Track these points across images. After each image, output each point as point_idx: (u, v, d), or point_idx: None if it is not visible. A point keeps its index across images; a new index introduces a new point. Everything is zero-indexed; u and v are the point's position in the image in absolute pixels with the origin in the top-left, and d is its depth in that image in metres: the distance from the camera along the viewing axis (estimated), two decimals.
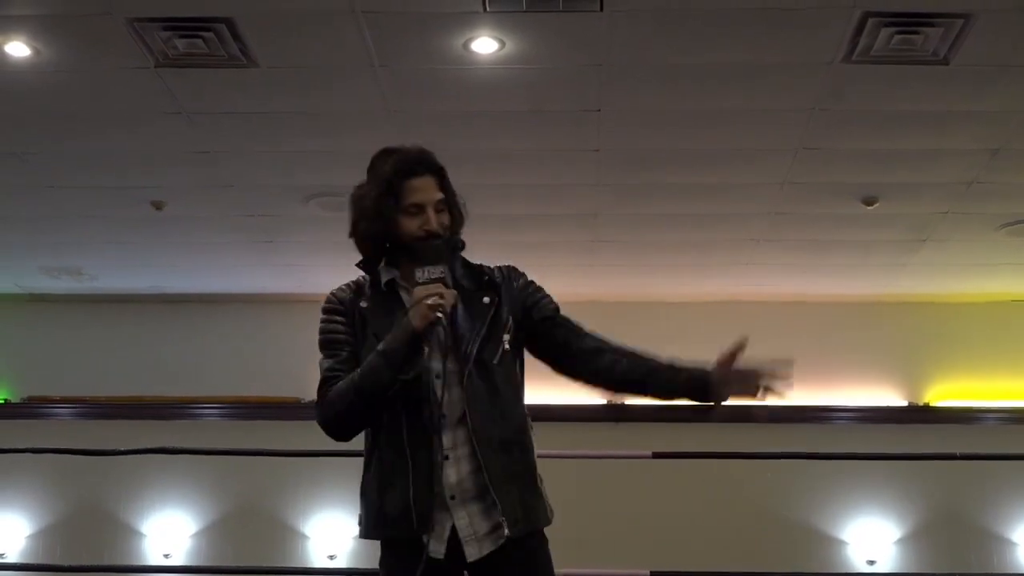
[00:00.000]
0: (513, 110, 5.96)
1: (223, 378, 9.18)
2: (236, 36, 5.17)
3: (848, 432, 8.85)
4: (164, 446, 5.39)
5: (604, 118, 6.02)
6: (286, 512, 8.90)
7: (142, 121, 6.11)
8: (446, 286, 2.59)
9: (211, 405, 9.20)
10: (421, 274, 2.58)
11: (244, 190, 7.10)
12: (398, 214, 2.68)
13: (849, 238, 7.83)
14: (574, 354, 2.77)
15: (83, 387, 9.23)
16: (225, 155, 6.57)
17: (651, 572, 5.00)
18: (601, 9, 4.91)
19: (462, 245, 2.78)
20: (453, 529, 2.57)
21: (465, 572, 2.62)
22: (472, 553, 2.57)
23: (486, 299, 2.70)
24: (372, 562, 8.78)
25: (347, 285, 2.80)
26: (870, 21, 5.01)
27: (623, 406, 8.97)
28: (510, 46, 5.27)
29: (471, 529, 2.58)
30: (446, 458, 2.57)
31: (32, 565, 8.36)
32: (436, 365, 2.59)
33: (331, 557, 8.74)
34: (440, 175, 2.74)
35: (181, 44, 5.23)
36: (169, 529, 8.90)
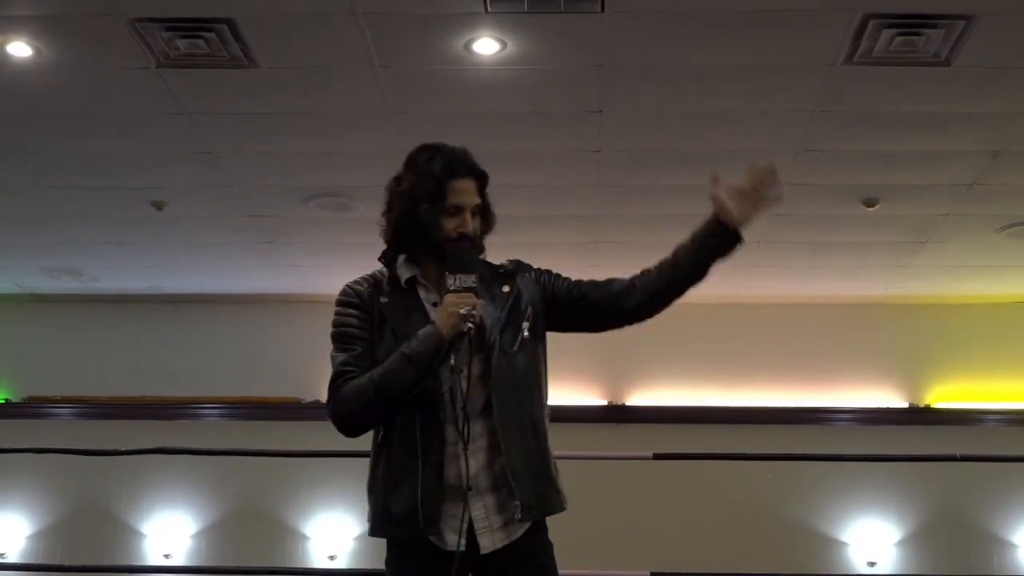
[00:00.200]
0: (514, 111, 5.96)
1: (223, 378, 9.18)
2: (237, 37, 5.17)
3: (849, 433, 8.85)
4: (164, 446, 5.38)
5: (605, 119, 6.02)
6: (286, 512, 8.89)
7: (143, 121, 6.11)
8: (476, 296, 2.59)
9: (211, 405, 9.21)
10: (453, 281, 2.59)
11: (245, 191, 7.10)
12: (438, 213, 2.67)
13: (850, 239, 7.83)
14: (616, 299, 2.79)
15: (83, 387, 9.23)
16: (226, 156, 6.57)
17: (651, 573, 5.00)
18: (602, 10, 4.91)
19: (482, 249, 2.79)
20: (469, 521, 2.58)
21: (469, 571, 2.63)
22: (486, 545, 2.59)
23: (505, 287, 2.73)
24: (372, 562, 8.76)
25: (364, 279, 2.79)
26: (871, 23, 5.01)
27: (624, 407, 8.99)
28: (511, 47, 5.27)
29: (486, 521, 2.59)
30: (465, 448, 2.57)
31: (32, 565, 8.36)
32: (455, 359, 2.59)
33: (331, 558, 8.74)
34: (481, 180, 2.76)
35: (182, 45, 5.23)
36: (169, 529, 8.90)
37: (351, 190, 7.06)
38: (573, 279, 2.85)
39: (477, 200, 2.73)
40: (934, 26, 5.03)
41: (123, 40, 5.17)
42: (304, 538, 8.85)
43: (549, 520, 2.73)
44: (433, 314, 2.65)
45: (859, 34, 5.10)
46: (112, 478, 8.71)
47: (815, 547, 8.68)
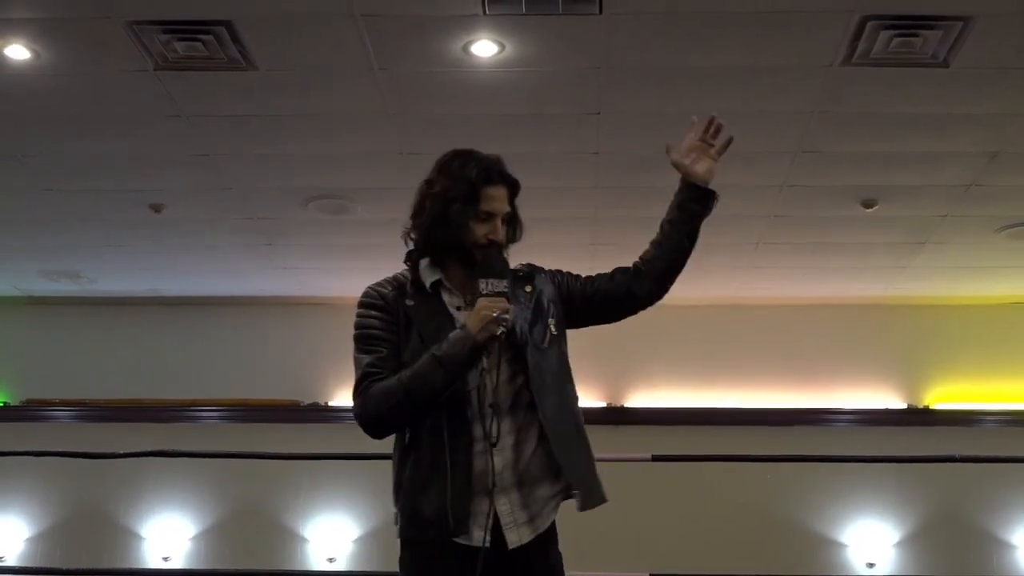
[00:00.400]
0: (512, 113, 5.96)
1: (222, 381, 9.18)
2: (235, 39, 5.17)
3: (848, 434, 8.85)
4: (163, 449, 5.38)
5: (603, 121, 6.02)
6: (285, 515, 8.89)
7: (141, 124, 6.10)
8: (508, 301, 2.62)
9: (210, 408, 9.20)
10: (485, 286, 2.61)
11: (243, 193, 7.10)
12: (469, 217, 2.70)
13: (848, 240, 7.83)
14: (627, 287, 2.90)
15: (82, 390, 9.22)
16: (224, 158, 6.57)
17: (650, 575, 5.00)
18: (600, 12, 4.91)
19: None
20: (494, 518, 2.60)
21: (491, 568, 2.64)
22: (513, 540, 2.62)
23: (527, 288, 2.77)
24: (371, 565, 8.75)
25: (386, 281, 2.80)
26: (869, 24, 5.01)
27: (623, 409, 8.98)
28: (509, 49, 5.27)
29: (512, 516, 2.62)
30: (493, 445, 2.60)
31: (31, 568, 8.36)
32: (485, 362, 2.63)
33: (330, 560, 8.74)
34: (513, 189, 2.80)
35: (180, 47, 5.23)
36: (168, 532, 8.89)
37: (350, 192, 7.07)
38: (582, 276, 2.94)
39: (508, 208, 2.78)
40: (932, 27, 5.03)
41: (121, 43, 5.17)
42: (303, 540, 8.85)
43: None
44: (459, 318, 2.68)
45: (857, 35, 5.10)
46: (111, 481, 8.71)
47: (814, 548, 8.68)
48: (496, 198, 2.74)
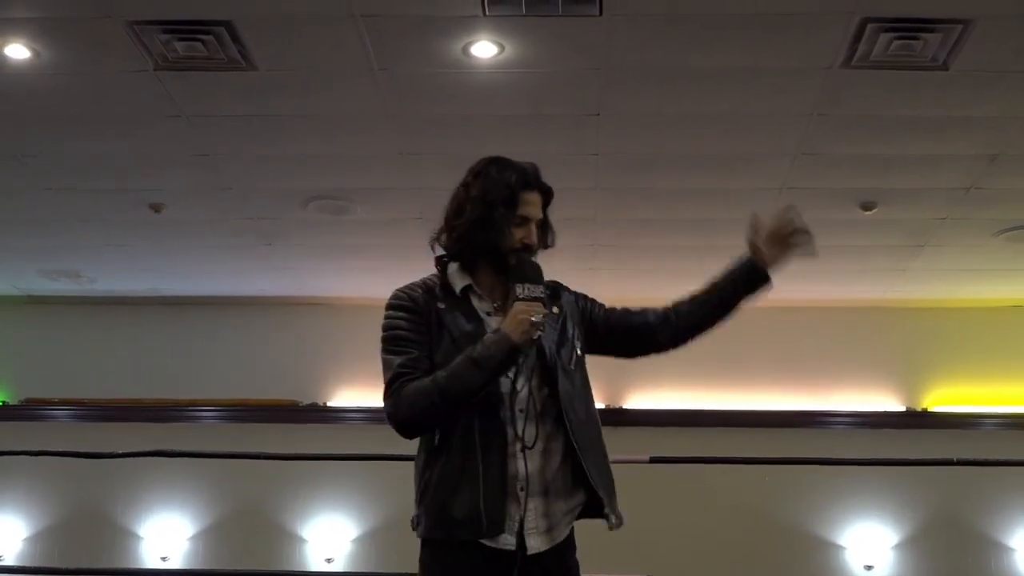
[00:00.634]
0: (512, 114, 5.96)
1: (221, 381, 9.18)
2: (235, 39, 5.18)
3: (846, 437, 8.85)
4: (162, 449, 5.38)
5: (603, 122, 6.02)
6: (284, 515, 8.89)
7: (141, 124, 6.11)
8: (544, 306, 2.64)
9: (209, 408, 9.20)
10: (522, 290, 2.63)
11: (243, 193, 7.10)
12: (507, 220, 2.74)
13: (847, 243, 7.83)
14: (653, 331, 2.94)
15: (81, 389, 9.22)
16: (224, 158, 6.57)
17: None
18: (600, 13, 4.91)
19: None
20: (520, 521, 2.62)
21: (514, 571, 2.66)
22: (534, 546, 2.63)
23: (554, 308, 2.78)
24: (369, 565, 8.72)
25: (417, 285, 2.81)
26: (869, 26, 5.02)
27: (621, 410, 8.98)
28: (509, 50, 5.27)
29: (535, 523, 2.63)
30: (528, 448, 2.63)
31: (30, 568, 8.36)
32: (507, 377, 2.65)
33: (328, 560, 8.74)
34: (547, 196, 2.84)
35: (180, 47, 5.23)
36: (167, 532, 8.89)
37: (350, 192, 7.07)
38: (606, 305, 2.97)
39: (541, 215, 2.82)
40: (932, 30, 5.04)
41: (121, 42, 5.17)
42: (301, 541, 8.85)
43: None
44: (490, 323, 2.71)
45: (857, 38, 5.10)
46: (110, 480, 8.71)
47: (812, 550, 8.68)
48: (531, 203, 2.78)
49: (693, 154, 6.44)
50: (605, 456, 2.79)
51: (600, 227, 7.55)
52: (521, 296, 2.62)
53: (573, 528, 2.76)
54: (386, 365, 2.71)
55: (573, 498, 2.72)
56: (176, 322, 9.41)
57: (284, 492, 8.85)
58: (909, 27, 5.02)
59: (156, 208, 7.28)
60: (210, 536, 8.89)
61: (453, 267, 2.80)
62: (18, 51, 5.27)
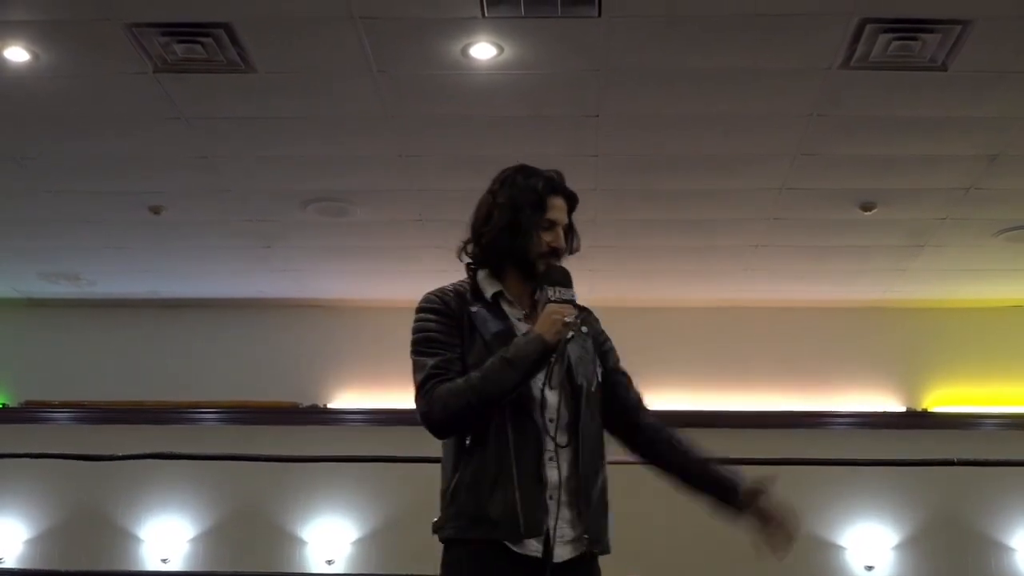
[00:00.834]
0: (511, 115, 5.96)
1: (221, 383, 9.18)
2: (235, 41, 5.18)
3: (846, 437, 8.85)
4: (162, 451, 5.38)
5: (602, 123, 6.02)
6: (284, 517, 8.88)
7: (140, 126, 6.11)
8: (575, 308, 2.69)
9: (209, 410, 9.20)
10: (553, 293, 2.68)
11: (242, 195, 7.10)
12: (535, 225, 2.80)
13: (847, 243, 7.84)
14: (637, 426, 2.98)
15: (81, 392, 9.22)
16: (223, 160, 6.57)
17: None
18: (599, 14, 4.91)
19: None
20: (551, 528, 2.64)
21: None
22: (559, 554, 2.64)
23: (584, 329, 2.79)
24: (370, 567, 8.69)
25: (449, 289, 2.83)
26: (868, 27, 5.02)
27: None
28: (508, 51, 5.27)
29: (560, 532, 2.65)
30: (559, 448, 2.66)
31: (30, 571, 8.36)
32: (540, 380, 2.67)
33: (329, 562, 8.73)
34: (572, 202, 2.91)
35: (180, 49, 5.23)
36: (167, 534, 8.89)
37: (349, 194, 7.07)
38: (617, 357, 2.99)
39: (566, 220, 2.88)
40: (931, 31, 5.04)
41: (120, 45, 5.17)
42: (302, 543, 8.84)
43: None
44: (520, 328, 2.74)
45: (856, 38, 5.10)
46: (110, 483, 8.70)
47: (812, 551, 8.67)
48: (557, 208, 2.85)
49: (693, 155, 6.45)
50: (603, 480, 2.82)
51: (599, 228, 7.54)
52: (553, 298, 2.67)
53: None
54: (418, 366, 2.73)
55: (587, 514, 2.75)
56: (176, 324, 9.40)
57: (284, 494, 8.85)
58: (908, 28, 5.02)
59: (156, 210, 7.28)
60: (210, 538, 8.89)
61: (482, 274, 2.83)
62: (18, 54, 5.27)
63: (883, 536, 8.72)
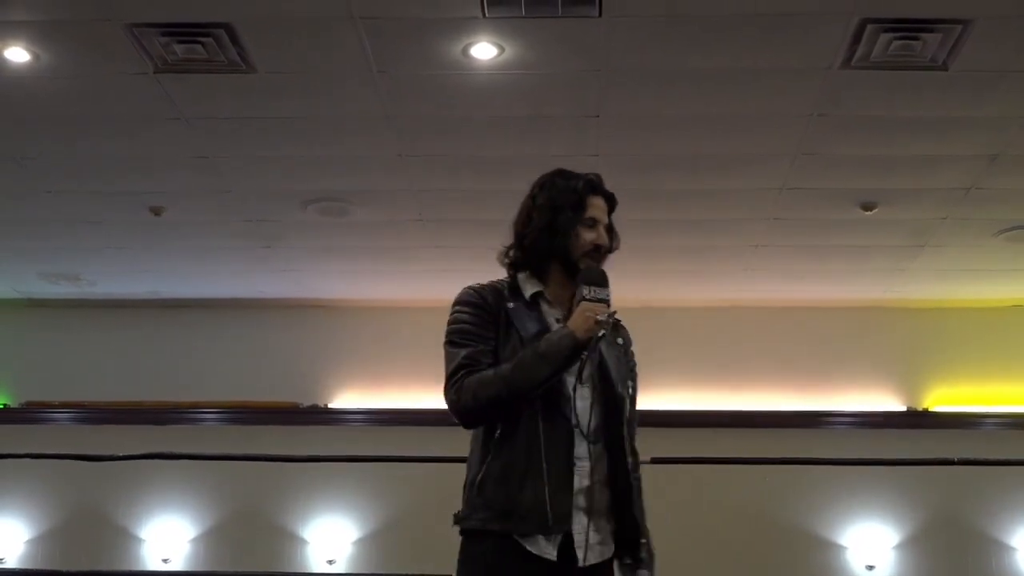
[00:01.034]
0: (512, 116, 5.96)
1: (222, 383, 9.18)
2: (235, 42, 5.18)
3: (847, 437, 8.85)
4: (162, 451, 5.39)
5: (603, 123, 6.02)
6: (285, 517, 8.88)
7: (141, 126, 6.11)
8: (608, 307, 2.71)
9: (210, 410, 9.20)
10: (589, 292, 2.71)
11: (243, 195, 7.10)
12: (576, 223, 2.84)
13: (848, 243, 7.84)
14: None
15: (81, 392, 9.22)
16: (224, 160, 6.57)
17: None
18: (600, 15, 4.91)
19: None
20: (566, 534, 2.65)
21: None
22: (583, 559, 2.65)
23: (619, 339, 2.82)
24: (371, 567, 8.71)
25: (487, 286, 2.88)
26: (869, 27, 5.02)
27: None
28: (509, 52, 5.27)
29: (584, 536, 2.66)
30: (583, 457, 2.70)
31: (31, 571, 8.36)
32: (571, 379, 2.69)
33: (330, 562, 8.73)
34: (611, 202, 2.95)
35: (180, 50, 5.24)
36: (168, 534, 8.89)
37: (349, 195, 7.07)
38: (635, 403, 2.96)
39: (607, 219, 2.92)
40: (931, 30, 5.04)
41: (121, 45, 5.18)
42: (303, 542, 8.84)
43: None
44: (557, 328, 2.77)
45: (856, 38, 5.10)
46: (111, 483, 8.70)
47: (813, 551, 8.68)
48: (598, 207, 2.90)
49: (693, 155, 6.45)
50: (640, 483, 2.83)
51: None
52: (587, 297, 2.70)
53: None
54: (450, 357, 2.78)
55: (610, 522, 2.76)
56: (176, 324, 9.41)
57: (285, 494, 8.85)
58: (909, 27, 5.02)
59: (156, 210, 7.28)
60: (211, 538, 8.89)
61: (523, 275, 2.88)
62: (18, 54, 5.27)
63: (884, 535, 8.72)
